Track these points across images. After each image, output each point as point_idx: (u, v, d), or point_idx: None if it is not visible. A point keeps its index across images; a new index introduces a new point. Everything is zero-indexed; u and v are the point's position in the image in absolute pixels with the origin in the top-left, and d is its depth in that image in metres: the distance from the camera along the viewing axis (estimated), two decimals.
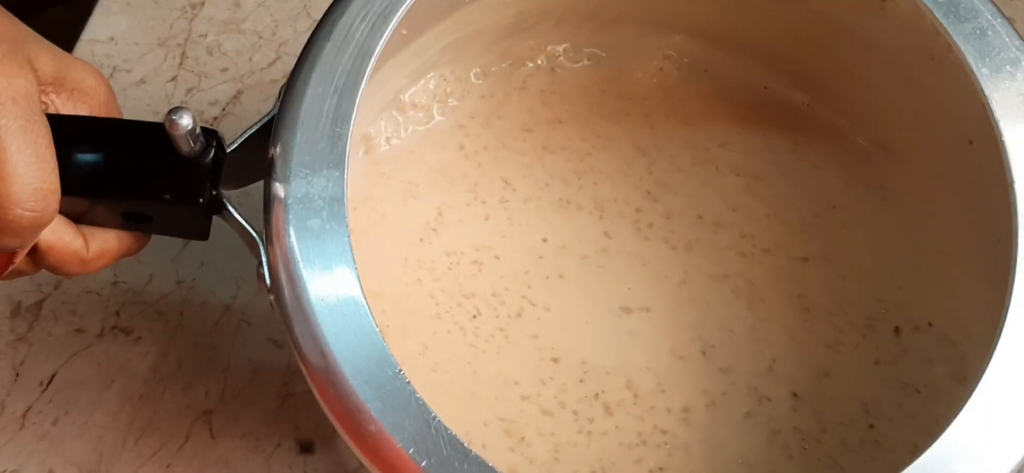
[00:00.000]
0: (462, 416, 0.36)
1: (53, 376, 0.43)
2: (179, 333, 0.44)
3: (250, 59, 0.51)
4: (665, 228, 0.42)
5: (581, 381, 0.39)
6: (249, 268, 0.48)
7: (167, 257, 0.46)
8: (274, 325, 0.45)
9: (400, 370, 0.30)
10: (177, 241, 0.46)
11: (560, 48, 0.45)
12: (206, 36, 0.52)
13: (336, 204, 0.32)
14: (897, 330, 0.40)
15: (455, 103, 0.44)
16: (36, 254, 0.33)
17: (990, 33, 0.36)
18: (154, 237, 0.48)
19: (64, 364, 0.43)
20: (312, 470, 0.42)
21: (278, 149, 0.33)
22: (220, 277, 0.46)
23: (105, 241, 0.34)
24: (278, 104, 0.33)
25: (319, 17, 0.56)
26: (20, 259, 0.32)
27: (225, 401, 0.43)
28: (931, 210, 0.41)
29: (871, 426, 0.38)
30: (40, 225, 0.30)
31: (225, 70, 0.51)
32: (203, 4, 0.53)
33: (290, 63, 0.54)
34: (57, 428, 0.42)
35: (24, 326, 0.44)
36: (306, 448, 0.42)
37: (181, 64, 0.51)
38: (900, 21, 0.38)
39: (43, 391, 0.43)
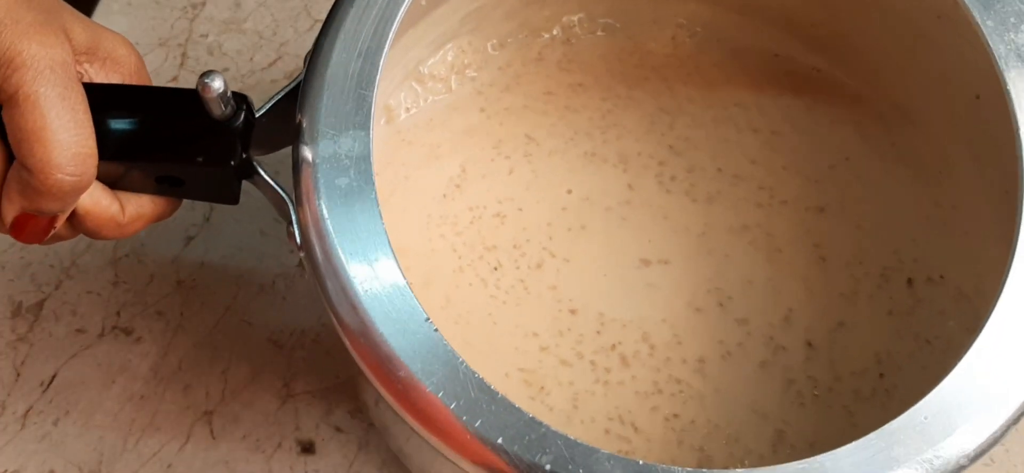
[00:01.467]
0: (484, 367, 0.40)
1: (54, 376, 0.44)
2: (180, 334, 0.45)
3: (251, 59, 0.52)
4: (687, 181, 0.46)
5: (598, 332, 0.42)
6: (249, 269, 0.48)
7: (168, 258, 0.47)
8: (274, 325, 0.46)
9: (428, 318, 0.33)
10: (178, 241, 0.47)
11: (575, 18, 0.48)
12: (207, 36, 0.53)
13: (363, 162, 0.35)
14: (910, 281, 0.43)
15: (474, 74, 0.47)
16: (74, 219, 0.36)
17: None
18: (155, 238, 0.49)
19: (65, 364, 0.45)
20: (313, 471, 0.42)
21: (305, 112, 0.36)
22: (220, 278, 0.47)
23: (140, 205, 0.37)
24: (304, 70, 0.37)
25: (320, 17, 0.57)
26: (60, 223, 0.35)
27: (225, 402, 0.44)
28: (944, 167, 0.44)
29: (882, 376, 0.41)
30: (80, 189, 0.33)
31: (226, 70, 0.52)
32: (204, 4, 0.54)
33: (291, 63, 0.55)
34: (58, 428, 0.43)
35: (25, 326, 0.45)
36: (307, 449, 0.43)
37: (182, 64, 0.52)
38: None
39: (44, 391, 0.44)
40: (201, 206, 0.49)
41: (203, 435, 0.44)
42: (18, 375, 0.46)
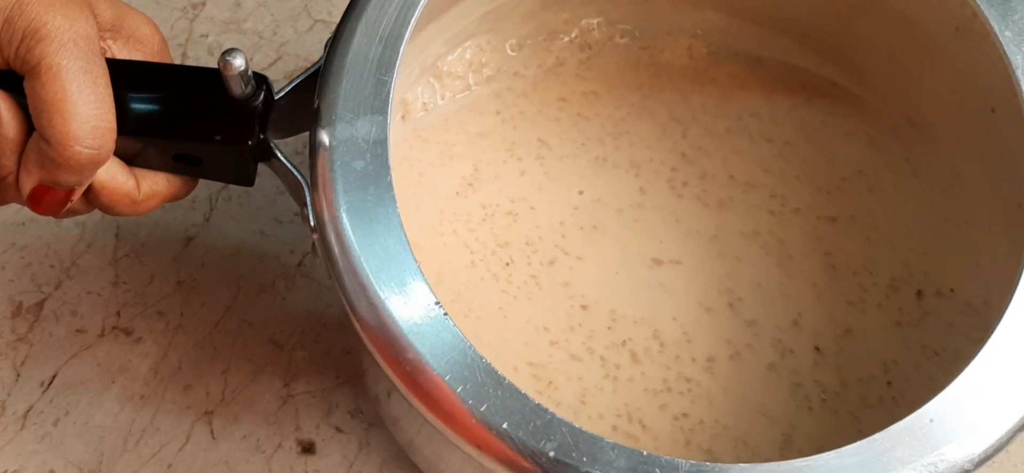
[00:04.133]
0: (493, 361, 0.40)
1: (54, 376, 0.45)
2: (180, 334, 0.46)
3: (251, 59, 0.53)
4: (699, 187, 0.47)
5: (609, 329, 0.43)
6: (250, 269, 0.49)
7: (168, 258, 0.47)
8: (275, 325, 0.46)
9: (437, 302, 0.34)
10: (178, 241, 0.48)
11: (594, 22, 0.49)
12: (207, 36, 0.53)
13: (380, 147, 0.36)
14: (919, 294, 0.44)
15: (490, 73, 0.48)
16: (90, 193, 0.37)
17: None
18: (155, 238, 0.49)
19: (65, 364, 0.45)
20: (313, 471, 0.43)
21: (324, 96, 0.37)
22: (220, 277, 0.47)
23: (155, 183, 0.38)
24: (325, 54, 0.38)
25: (320, 17, 0.58)
26: (77, 197, 0.36)
27: (226, 402, 0.44)
28: (956, 180, 0.45)
29: (889, 383, 0.42)
30: (97, 162, 0.34)
31: None
32: (204, 4, 0.54)
33: (291, 63, 0.56)
34: (58, 429, 0.43)
35: (25, 326, 0.46)
36: (307, 449, 0.43)
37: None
38: None
39: (44, 391, 0.44)
40: (201, 206, 0.50)
41: (203, 435, 0.45)
42: (18, 375, 0.46)
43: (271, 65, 0.54)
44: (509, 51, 0.48)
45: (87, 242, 0.49)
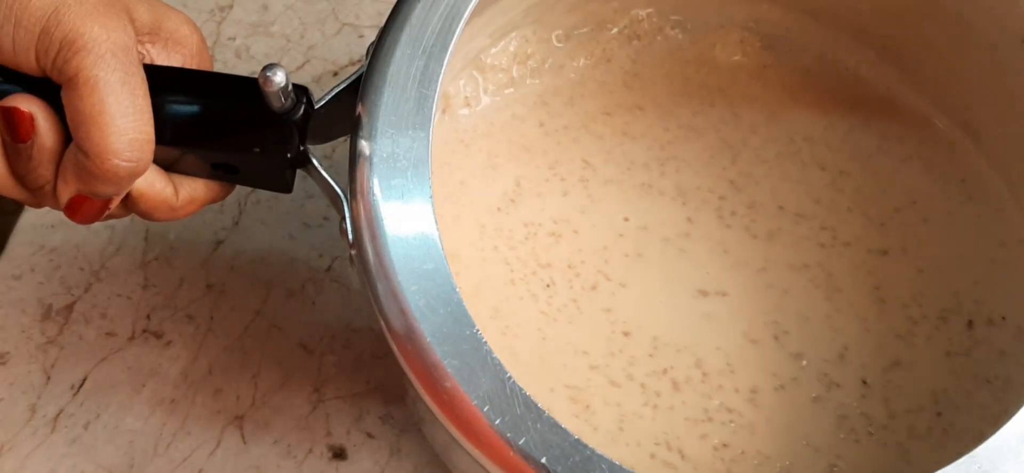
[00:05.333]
0: (529, 381, 0.39)
1: (84, 379, 0.45)
2: (209, 337, 0.46)
3: (278, 62, 0.52)
4: (747, 217, 0.46)
5: (651, 356, 0.42)
6: (279, 273, 0.49)
7: (197, 261, 0.47)
8: (304, 330, 0.46)
9: (477, 329, 0.33)
10: (207, 245, 0.48)
11: (643, 13, 0.48)
12: (234, 39, 0.53)
13: (420, 165, 0.35)
14: (970, 323, 0.43)
15: (535, 65, 0.47)
16: (128, 200, 0.36)
17: None
18: (184, 241, 0.49)
19: (95, 368, 0.45)
20: None
21: (365, 107, 0.36)
22: (250, 281, 0.47)
23: (194, 189, 0.37)
24: (366, 62, 0.37)
25: (347, 20, 0.58)
26: (114, 205, 0.35)
27: (256, 406, 0.44)
28: (1011, 200, 0.44)
29: (939, 414, 0.41)
30: (136, 174, 0.34)
31: (253, 73, 0.52)
32: (231, 7, 0.54)
33: (318, 66, 0.56)
34: (88, 432, 0.44)
35: (55, 329, 0.46)
36: (338, 454, 0.43)
37: None
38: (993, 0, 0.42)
39: (74, 395, 0.44)
40: (230, 210, 0.50)
41: (234, 440, 0.45)
42: (49, 378, 0.46)
43: (299, 69, 0.54)
44: (555, 43, 0.47)
45: (116, 245, 0.49)
